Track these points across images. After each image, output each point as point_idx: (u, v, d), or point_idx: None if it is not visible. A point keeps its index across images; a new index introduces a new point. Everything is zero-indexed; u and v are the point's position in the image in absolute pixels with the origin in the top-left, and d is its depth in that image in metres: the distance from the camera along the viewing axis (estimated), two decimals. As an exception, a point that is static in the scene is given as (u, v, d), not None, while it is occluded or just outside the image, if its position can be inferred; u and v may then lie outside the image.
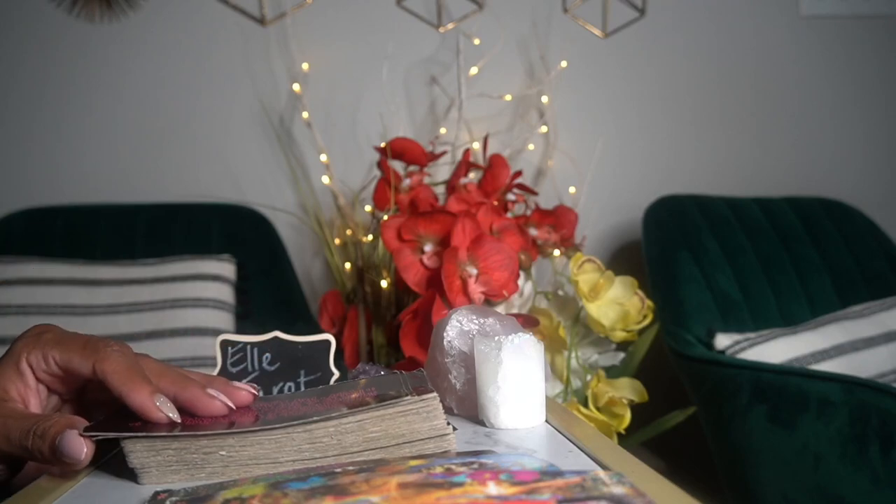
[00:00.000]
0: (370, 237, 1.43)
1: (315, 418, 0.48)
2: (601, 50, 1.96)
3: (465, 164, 1.31)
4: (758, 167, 2.05)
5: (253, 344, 0.61)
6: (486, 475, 0.40)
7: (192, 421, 0.49)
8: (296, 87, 1.81)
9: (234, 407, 0.51)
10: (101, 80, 1.80)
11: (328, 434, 0.49)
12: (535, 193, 1.46)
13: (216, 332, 1.49)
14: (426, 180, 1.35)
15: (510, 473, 0.40)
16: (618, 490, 0.37)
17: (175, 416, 0.48)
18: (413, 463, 0.44)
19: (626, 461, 0.48)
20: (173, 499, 0.41)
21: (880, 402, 1.23)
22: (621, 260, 1.96)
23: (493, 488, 0.38)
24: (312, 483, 0.41)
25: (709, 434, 1.56)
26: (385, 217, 1.23)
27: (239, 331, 1.54)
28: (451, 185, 1.31)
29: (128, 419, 0.48)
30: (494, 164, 1.33)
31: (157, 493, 0.43)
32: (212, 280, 1.57)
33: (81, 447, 0.45)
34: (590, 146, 1.91)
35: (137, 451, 0.47)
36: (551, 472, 0.40)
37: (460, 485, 0.39)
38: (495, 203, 1.27)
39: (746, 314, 1.65)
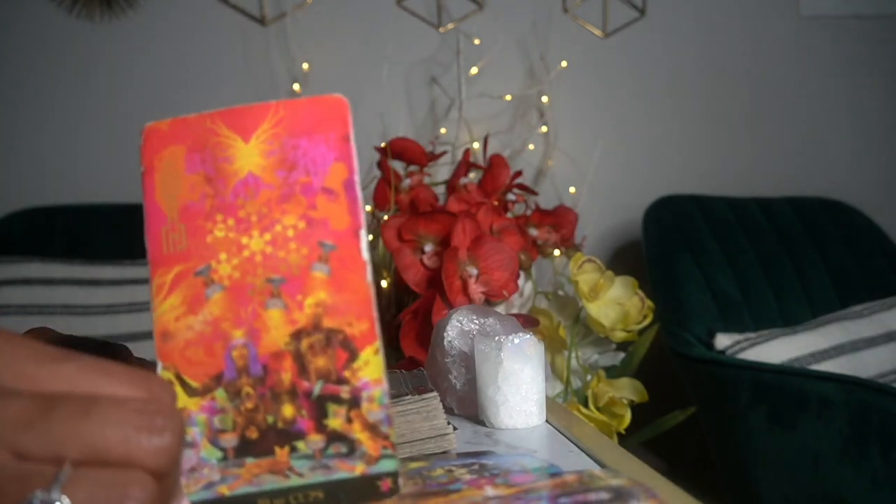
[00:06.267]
0: (370, 237, 1.43)
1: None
2: (601, 50, 1.96)
3: (465, 164, 1.31)
4: (758, 167, 2.05)
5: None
6: (483, 481, 0.40)
7: None
8: (296, 87, 1.81)
9: None
10: (102, 79, 1.80)
11: None
12: (535, 193, 1.46)
13: (216, 332, 1.49)
14: (426, 180, 1.35)
15: (506, 478, 0.40)
16: (615, 482, 0.38)
17: None
18: (413, 465, 0.44)
19: (626, 461, 0.49)
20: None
21: (880, 402, 1.24)
22: (621, 260, 1.96)
23: (490, 491, 0.38)
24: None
25: (709, 434, 1.56)
26: (385, 217, 1.23)
27: (239, 331, 1.54)
28: (451, 185, 1.31)
29: None
30: (494, 164, 1.33)
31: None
32: (212, 280, 1.57)
33: None
34: (590, 146, 1.91)
35: None
36: (548, 474, 0.40)
37: (457, 491, 0.39)
38: (495, 203, 1.27)
39: (746, 314, 1.65)
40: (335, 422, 0.34)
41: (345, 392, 0.35)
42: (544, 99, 1.88)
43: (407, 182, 1.32)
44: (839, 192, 1.99)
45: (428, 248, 1.11)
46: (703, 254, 1.70)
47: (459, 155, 1.62)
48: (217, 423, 0.34)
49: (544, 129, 1.90)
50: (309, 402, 0.35)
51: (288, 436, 0.34)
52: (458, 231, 1.07)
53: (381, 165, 1.33)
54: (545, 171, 1.91)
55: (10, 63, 1.77)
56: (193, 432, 0.34)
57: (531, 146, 1.90)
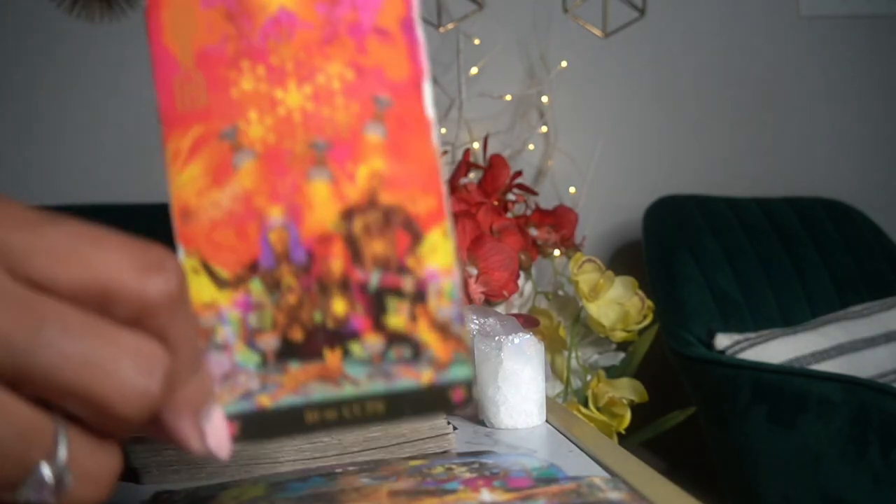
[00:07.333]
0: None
1: (315, 418, 0.48)
2: (601, 50, 1.95)
3: (465, 164, 1.31)
4: (758, 167, 2.05)
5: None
6: (480, 482, 0.39)
7: None
8: (296, 87, 1.80)
9: None
10: (101, 79, 1.80)
11: (328, 434, 0.49)
12: (535, 193, 1.46)
13: (216, 332, 1.49)
14: (426, 180, 1.35)
15: (504, 481, 0.40)
16: (614, 496, 0.37)
17: None
18: (413, 463, 0.44)
19: (626, 461, 0.49)
20: (174, 499, 0.41)
21: (880, 402, 1.24)
22: (621, 260, 1.96)
23: (486, 495, 0.38)
24: (312, 484, 0.41)
25: (709, 434, 1.56)
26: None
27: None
28: (451, 185, 1.31)
29: None
30: (494, 165, 1.33)
31: (157, 494, 0.43)
32: (212, 280, 1.56)
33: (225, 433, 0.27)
34: (590, 146, 1.91)
35: (138, 451, 0.47)
36: (546, 479, 0.40)
37: (453, 492, 0.38)
38: (495, 203, 1.27)
39: (746, 314, 1.65)
40: (397, 320, 0.28)
41: (408, 284, 0.28)
42: (544, 99, 1.88)
43: (407, 182, 1.31)
44: (839, 192, 1.98)
45: (428, 248, 1.11)
46: (703, 254, 1.70)
47: (459, 155, 1.62)
48: (253, 322, 0.28)
49: (544, 129, 1.90)
50: (364, 295, 0.28)
51: (339, 336, 0.28)
52: (459, 231, 1.07)
53: (381, 165, 1.33)
54: (545, 171, 1.91)
55: (10, 63, 1.77)
56: (225, 332, 0.28)
57: (531, 146, 1.90)
